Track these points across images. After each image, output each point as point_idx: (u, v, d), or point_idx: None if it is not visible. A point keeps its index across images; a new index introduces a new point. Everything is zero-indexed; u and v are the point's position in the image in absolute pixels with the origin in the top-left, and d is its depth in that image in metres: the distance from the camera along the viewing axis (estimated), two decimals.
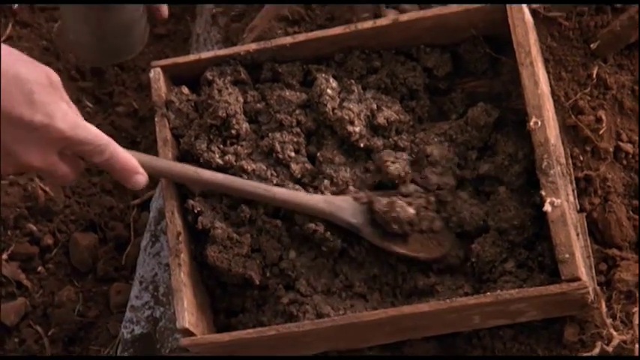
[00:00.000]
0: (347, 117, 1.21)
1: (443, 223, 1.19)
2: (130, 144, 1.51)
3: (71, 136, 1.04)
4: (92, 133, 1.07)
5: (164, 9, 1.29)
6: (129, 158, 1.12)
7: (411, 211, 1.18)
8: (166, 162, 1.23)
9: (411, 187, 1.20)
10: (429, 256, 1.19)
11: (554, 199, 1.11)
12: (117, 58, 1.38)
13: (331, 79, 1.24)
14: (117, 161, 1.10)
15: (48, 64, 1.56)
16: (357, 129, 1.21)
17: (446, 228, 1.20)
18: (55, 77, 1.06)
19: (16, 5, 1.62)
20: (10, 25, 1.60)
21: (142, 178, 1.14)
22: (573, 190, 1.20)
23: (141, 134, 1.55)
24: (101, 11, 1.25)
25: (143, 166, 1.14)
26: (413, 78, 1.24)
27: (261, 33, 1.36)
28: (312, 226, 1.20)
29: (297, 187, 1.22)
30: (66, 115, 1.04)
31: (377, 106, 1.23)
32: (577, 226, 1.16)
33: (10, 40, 1.59)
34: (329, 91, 1.23)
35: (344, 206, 1.20)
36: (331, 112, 1.22)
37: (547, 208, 1.11)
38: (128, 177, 1.12)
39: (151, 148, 1.48)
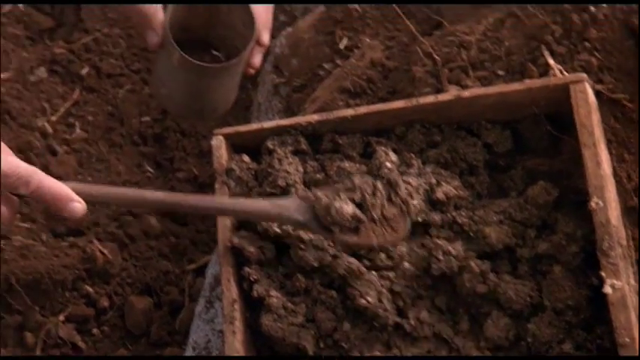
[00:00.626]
0: (406, 190, 1.21)
1: (396, 209, 1.19)
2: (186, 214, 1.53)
3: None
4: (13, 164, 1.05)
5: (257, 64, 1.29)
6: (59, 187, 1.09)
7: (349, 209, 1.18)
8: (106, 187, 1.19)
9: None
10: (384, 242, 1.19)
11: (614, 281, 1.09)
12: (205, 117, 1.39)
13: (391, 152, 1.24)
14: (46, 191, 1.07)
15: (112, 129, 1.60)
16: (416, 202, 1.21)
17: (400, 213, 1.20)
18: None
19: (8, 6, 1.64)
20: (77, 90, 1.64)
21: (77, 205, 1.10)
22: (634, 273, 1.19)
23: None
24: (200, 76, 1.28)
25: (80, 194, 1.11)
26: (473, 154, 1.24)
27: (322, 104, 1.37)
28: (363, 301, 1.19)
29: (352, 260, 1.22)
30: None
31: (436, 180, 1.23)
32: (638, 308, 1.14)
33: (76, 105, 1.63)
34: (388, 163, 1.23)
35: (290, 206, 1.20)
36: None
37: (607, 289, 1.09)
38: (62, 206, 1.09)
39: (209, 215, 1.49)
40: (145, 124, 1.61)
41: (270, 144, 1.30)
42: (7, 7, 1.69)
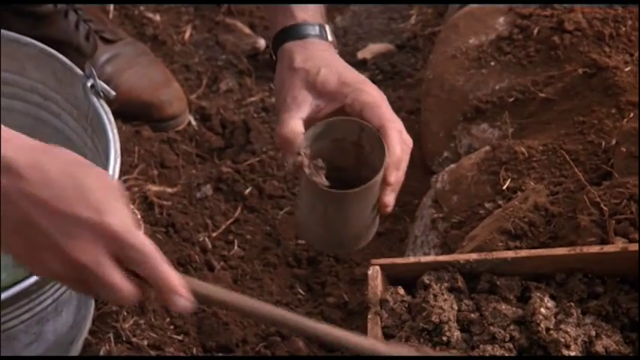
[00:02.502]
0: (562, 340, 1.19)
1: None
2: None
3: (121, 237, 1.02)
4: (141, 240, 1.04)
5: (388, 203, 1.29)
6: (171, 277, 1.05)
7: None
8: (223, 291, 1.15)
9: None
10: None
11: None
12: (340, 248, 1.41)
13: (546, 299, 1.22)
14: (157, 277, 1.04)
15: (268, 249, 1.64)
16: (573, 354, 1.18)
17: None
18: (118, 185, 1.07)
19: None
20: (239, 208, 1.69)
21: (182, 300, 1.06)
22: None
23: (348, 327, 1.56)
24: (328, 205, 1.28)
25: (195, 293, 1.08)
26: (636, 309, 1.21)
27: (481, 243, 1.37)
28: None
29: None
30: (120, 216, 1.03)
31: (596, 333, 1.20)
32: None
33: (237, 222, 1.67)
34: (542, 310, 1.21)
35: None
36: (545, 332, 1.20)
37: None
38: (166, 297, 1.05)
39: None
40: (300, 246, 1.64)
41: (426, 279, 1.30)
42: (181, 126, 1.77)
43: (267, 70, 1.86)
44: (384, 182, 1.28)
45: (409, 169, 1.67)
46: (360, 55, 1.87)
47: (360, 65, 1.85)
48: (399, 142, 1.30)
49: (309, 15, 1.37)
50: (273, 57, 1.35)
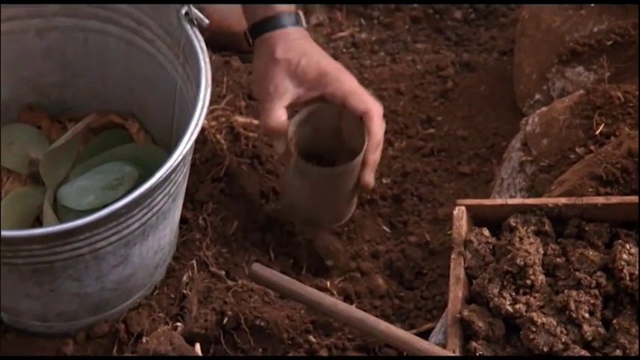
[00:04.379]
0: None
1: None
2: (415, 274, 1.53)
3: None
4: None
5: (370, 182, 1.46)
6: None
7: None
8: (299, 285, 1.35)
9: None
10: None
11: None
12: (324, 223, 1.54)
13: (629, 245, 1.21)
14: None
15: None
16: None
17: None
18: None
19: None
20: None
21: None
22: None
23: (428, 266, 1.56)
24: (316, 184, 1.45)
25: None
26: None
27: (570, 188, 1.35)
28: None
29: (583, 351, 1.18)
30: None
31: None
32: None
33: None
34: (624, 256, 1.20)
35: None
36: (628, 280, 1.19)
37: None
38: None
39: (435, 282, 1.49)
40: (386, 185, 1.63)
41: (512, 221, 1.29)
42: None
43: (359, 6, 1.84)
44: (364, 163, 1.44)
45: (499, 111, 1.66)
46: None
47: (454, 3, 1.82)
48: (380, 127, 1.45)
49: (285, 5, 1.47)
50: (250, 44, 1.47)
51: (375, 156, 1.45)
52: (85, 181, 1.42)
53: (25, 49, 1.49)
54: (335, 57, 1.76)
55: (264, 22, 1.47)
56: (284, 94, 1.46)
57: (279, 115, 1.45)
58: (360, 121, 1.44)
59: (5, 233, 1.25)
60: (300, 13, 1.50)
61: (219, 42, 1.73)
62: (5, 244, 1.25)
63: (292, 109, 1.47)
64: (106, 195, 1.41)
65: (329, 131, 1.50)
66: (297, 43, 1.46)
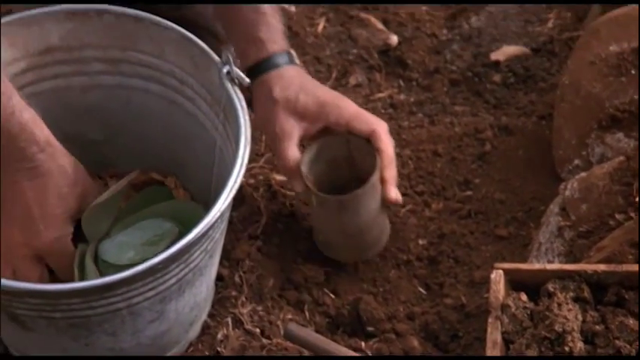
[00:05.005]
0: None
1: None
2: (450, 337, 1.52)
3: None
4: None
5: (394, 196, 1.47)
6: None
7: None
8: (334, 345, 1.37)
9: None
10: None
11: None
12: (362, 253, 1.54)
13: None
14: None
15: (393, 244, 1.63)
16: None
17: None
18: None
19: None
20: None
21: None
22: None
23: (464, 329, 1.55)
24: (342, 213, 1.46)
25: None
26: None
27: (609, 255, 1.34)
28: None
29: None
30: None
31: None
32: None
33: None
34: None
35: None
36: None
37: None
38: None
39: (471, 345, 1.48)
40: (422, 246, 1.63)
41: (551, 286, 1.28)
42: None
43: (398, 67, 1.86)
44: (383, 180, 1.46)
45: (537, 175, 1.66)
46: (494, 56, 1.85)
47: (493, 67, 1.83)
48: (389, 143, 1.48)
49: (277, 45, 1.50)
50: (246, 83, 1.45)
51: (391, 172, 1.47)
52: (126, 237, 1.43)
53: (68, 106, 1.51)
54: None
55: (259, 64, 1.50)
56: (291, 133, 1.48)
57: (292, 154, 1.48)
58: (368, 143, 1.46)
59: (46, 287, 1.26)
60: (292, 51, 1.52)
61: None
62: (45, 297, 1.26)
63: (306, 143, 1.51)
64: (145, 251, 1.42)
65: (342, 161, 1.52)
66: (293, 80, 1.49)
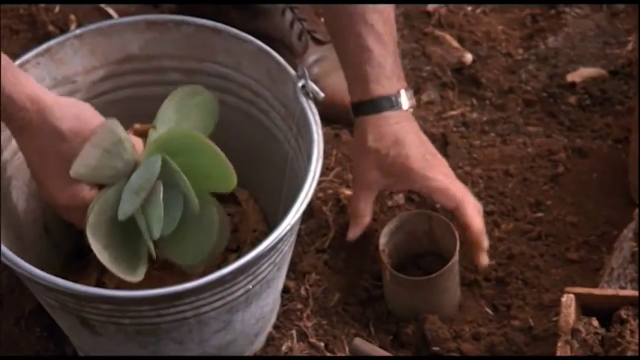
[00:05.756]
0: None
1: None
2: None
3: None
4: None
5: (484, 262, 1.49)
6: None
7: None
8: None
9: None
10: None
11: None
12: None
13: None
14: None
15: (461, 264, 1.62)
16: None
17: None
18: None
19: None
20: None
21: None
22: None
23: (530, 352, 1.53)
24: (415, 292, 1.48)
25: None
26: None
27: None
28: None
29: None
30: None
31: None
32: None
33: None
34: None
35: None
36: None
37: None
38: None
39: None
40: (490, 267, 1.62)
41: (623, 313, 1.27)
42: None
43: (471, 85, 1.85)
44: (476, 248, 1.48)
45: (611, 199, 1.64)
46: (570, 77, 1.83)
47: (568, 88, 1.81)
48: (477, 215, 1.48)
49: (384, 87, 1.48)
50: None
51: (484, 240, 1.48)
52: None
53: (144, 115, 1.52)
54: (444, 136, 1.76)
55: (360, 104, 1.50)
56: (372, 185, 1.49)
57: (363, 208, 1.50)
58: (451, 223, 1.48)
59: (117, 293, 1.27)
60: (403, 92, 1.50)
61: (330, 115, 1.75)
62: (115, 303, 1.28)
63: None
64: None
65: (422, 234, 1.53)
66: (390, 130, 1.48)
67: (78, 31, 1.47)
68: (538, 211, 1.67)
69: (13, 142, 1.37)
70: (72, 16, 1.93)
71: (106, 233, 1.32)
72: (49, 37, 1.86)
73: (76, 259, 1.58)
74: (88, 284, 1.46)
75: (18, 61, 1.41)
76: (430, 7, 1.93)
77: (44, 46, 1.45)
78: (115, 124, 1.30)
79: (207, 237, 1.38)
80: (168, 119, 1.39)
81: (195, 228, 1.36)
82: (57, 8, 1.95)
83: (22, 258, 1.29)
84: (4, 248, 1.28)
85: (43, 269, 1.27)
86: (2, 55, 1.24)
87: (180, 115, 1.39)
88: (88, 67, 1.48)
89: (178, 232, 1.34)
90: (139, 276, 1.33)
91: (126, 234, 1.33)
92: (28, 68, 1.41)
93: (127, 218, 1.31)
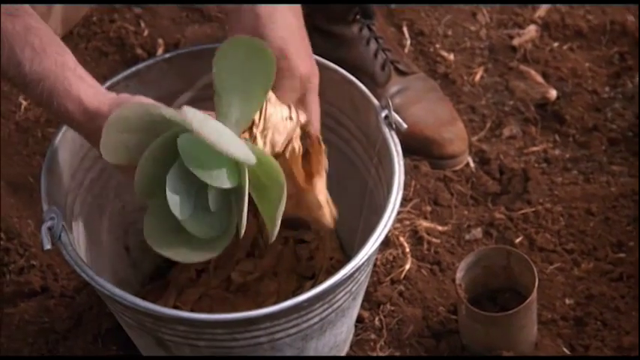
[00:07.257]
0: None
1: None
2: None
3: None
4: None
5: None
6: None
7: None
8: None
9: None
10: None
11: None
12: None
13: None
14: None
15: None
16: None
17: None
18: None
19: None
20: None
21: None
22: None
23: None
24: (490, 328, 1.48)
25: None
26: None
27: None
28: None
29: None
30: None
31: None
32: None
33: None
34: None
35: None
36: None
37: None
38: None
39: None
40: (568, 306, 1.59)
41: None
42: (459, 166, 1.77)
43: (555, 122, 1.83)
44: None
45: None
46: None
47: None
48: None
49: None
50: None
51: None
52: None
53: None
54: (525, 171, 1.75)
55: None
56: None
57: None
58: (529, 260, 1.49)
59: (194, 316, 1.28)
60: None
61: (409, 146, 1.75)
62: (192, 325, 1.29)
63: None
64: None
65: (499, 270, 1.53)
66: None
67: (167, 55, 1.49)
68: (620, 252, 1.64)
69: (100, 162, 1.39)
70: (160, 40, 1.97)
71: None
72: (136, 59, 1.91)
73: (154, 280, 1.60)
74: (166, 305, 1.48)
75: (107, 83, 1.43)
76: (516, 41, 1.92)
77: (133, 69, 1.48)
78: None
79: None
80: (234, 87, 1.32)
81: None
82: (145, 32, 1.98)
83: (102, 276, 1.31)
84: (86, 267, 1.30)
85: (121, 288, 1.29)
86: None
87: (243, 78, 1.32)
88: (174, 90, 1.50)
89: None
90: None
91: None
92: (117, 90, 1.44)
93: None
